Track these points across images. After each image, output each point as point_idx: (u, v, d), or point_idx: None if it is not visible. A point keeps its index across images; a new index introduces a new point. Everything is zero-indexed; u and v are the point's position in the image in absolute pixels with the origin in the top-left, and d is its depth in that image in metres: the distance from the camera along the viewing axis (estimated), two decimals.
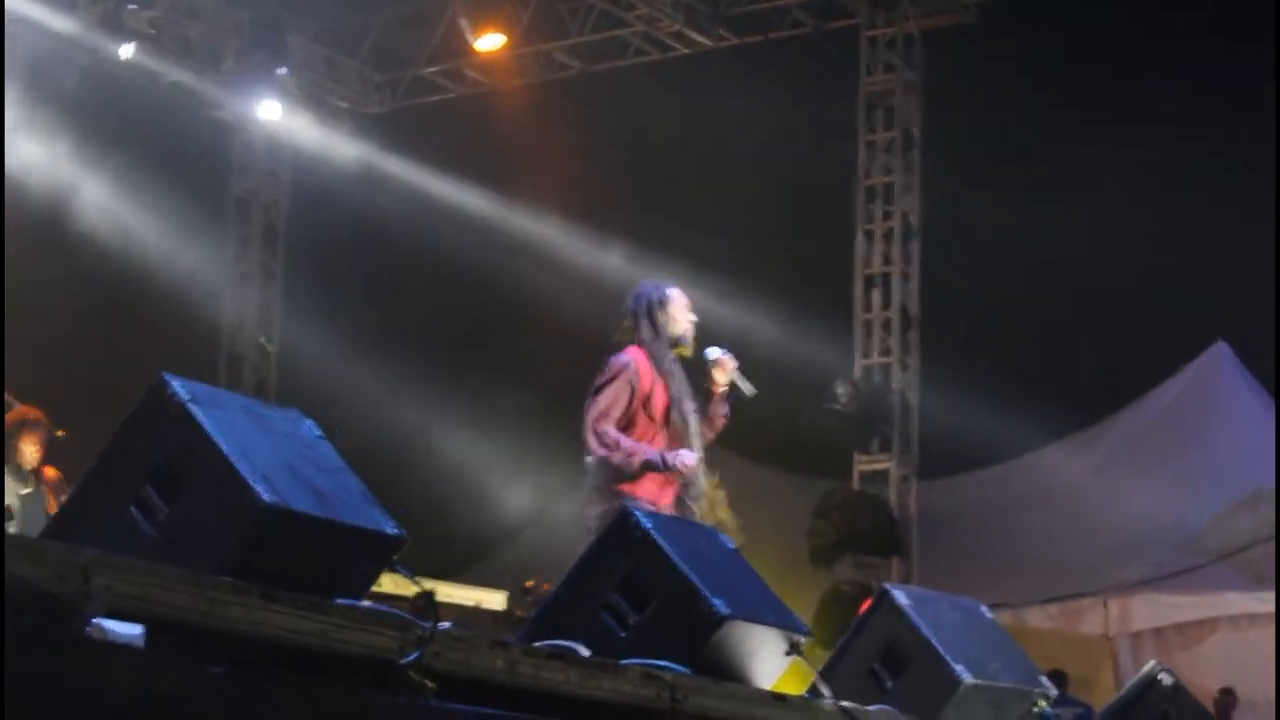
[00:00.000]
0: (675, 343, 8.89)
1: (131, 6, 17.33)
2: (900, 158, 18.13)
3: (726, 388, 8.99)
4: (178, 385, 4.84)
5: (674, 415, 8.75)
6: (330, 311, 18.86)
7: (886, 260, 18.01)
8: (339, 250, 19.61)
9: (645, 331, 8.86)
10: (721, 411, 9.00)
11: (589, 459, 8.78)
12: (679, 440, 8.76)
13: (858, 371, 17.77)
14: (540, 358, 17.47)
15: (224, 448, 4.73)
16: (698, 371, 9.03)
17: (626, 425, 8.72)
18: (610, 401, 8.70)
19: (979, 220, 17.58)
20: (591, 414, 8.71)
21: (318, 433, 5.26)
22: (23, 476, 11.28)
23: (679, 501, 8.74)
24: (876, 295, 17.97)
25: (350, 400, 17.17)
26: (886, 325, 17.90)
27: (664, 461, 8.64)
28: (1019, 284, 17.86)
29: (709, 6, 18.83)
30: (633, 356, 8.81)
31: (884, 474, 17.66)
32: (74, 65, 17.41)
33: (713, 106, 18.27)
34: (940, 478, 18.14)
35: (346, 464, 5.21)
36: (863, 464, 17.78)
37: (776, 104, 17.82)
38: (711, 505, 8.93)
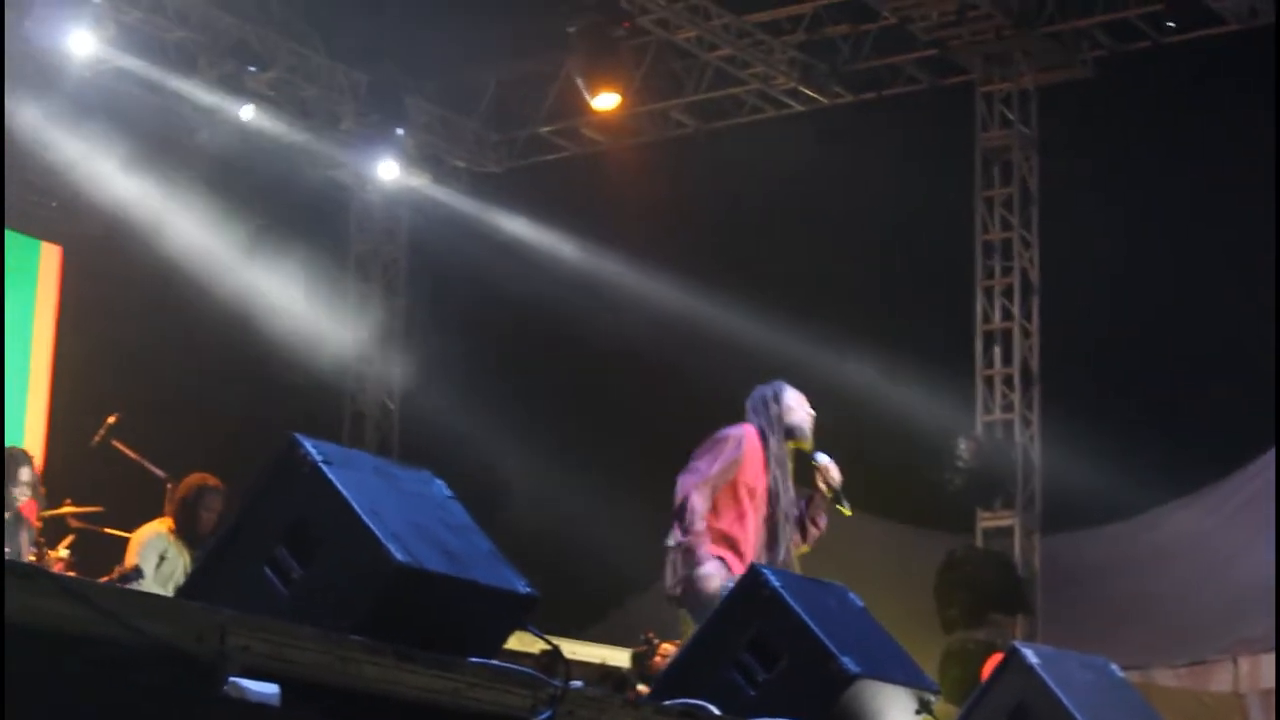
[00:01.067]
0: (790, 433, 8.70)
1: (251, 69, 17.55)
2: (1018, 213, 18.05)
3: (831, 496, 8.76)
4: (310, 446, 4.87)
5: (771, 510, 8.60)
6: (449, 369, 18.93)
7: (1006, 316, 17.93)
8: (457, 308, 19.68)
9: (760, 418, 8.69)
10: (821, 521, 8.79)
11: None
12: (770, 535, 8.59)
13: (979, 428, 17.67)
14: (660, 417, 17.43)
15: (357, 508, 4.75)
16: (804, 469, 8.82)
17: (719, 500, 8.56)
18: (710, 469, 8.52)
19: (1099, 274, 17.44)
20: (691, 479, 8.56)
21: (448, 493, 5.28)
22: (198, 543, 11.32)
23: None
24: (997, 351, 17.89)
25: (472, 456, 17.19)
26: (1008, 381, 17.80)
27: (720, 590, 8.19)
28: (1140, 338, 17.67)
29: (824, 64, 18.81)
30: (747, 431, 8.67)
31: (1008, 530, 17.54)
32: (194, 125, 17.63)
33: (828, 164, 18.21)
34: (1063, 534, 17.96)
35: (476, 524, 5.23)
36: (986, 520, 17.66)
37: (892, 160, 17.76)
38: None
